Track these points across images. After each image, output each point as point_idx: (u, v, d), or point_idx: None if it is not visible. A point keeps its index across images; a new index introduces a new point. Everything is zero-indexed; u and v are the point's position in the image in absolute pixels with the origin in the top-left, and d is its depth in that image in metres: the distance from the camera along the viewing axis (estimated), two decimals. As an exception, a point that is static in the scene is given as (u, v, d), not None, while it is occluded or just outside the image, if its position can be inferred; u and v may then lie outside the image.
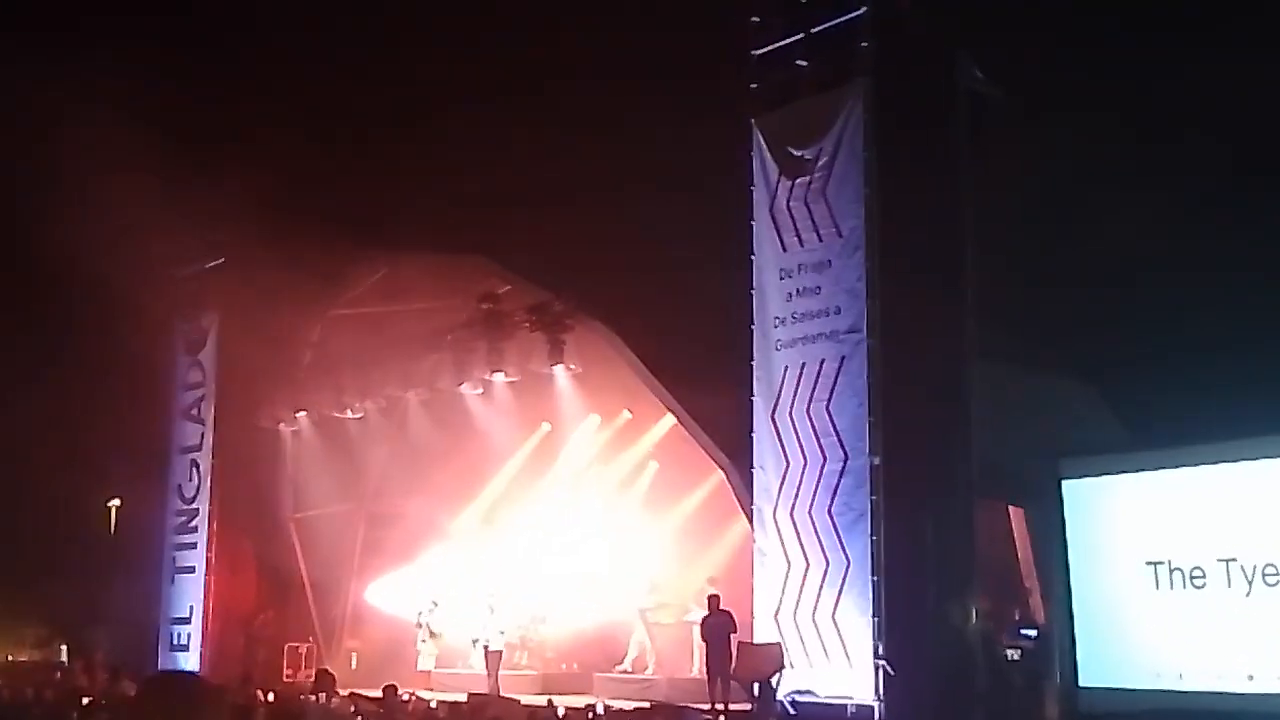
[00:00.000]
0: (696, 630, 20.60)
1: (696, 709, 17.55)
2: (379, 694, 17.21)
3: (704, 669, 20.05)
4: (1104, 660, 15.71)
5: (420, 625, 24.38)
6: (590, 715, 18.00)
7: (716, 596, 18.15)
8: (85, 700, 17.61)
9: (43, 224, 21.40)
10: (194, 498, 26.05)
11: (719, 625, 17.70)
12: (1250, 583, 14.34)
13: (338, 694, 18.23)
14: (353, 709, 17.33)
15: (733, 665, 16.86)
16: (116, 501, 30.71)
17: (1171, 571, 15.06)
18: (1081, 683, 15.83)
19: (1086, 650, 15.86)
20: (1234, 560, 14.49)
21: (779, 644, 15.77)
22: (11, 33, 21.23)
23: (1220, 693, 14.32)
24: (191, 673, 4.14)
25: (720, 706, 17.14)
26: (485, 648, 21.81)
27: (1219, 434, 14.92)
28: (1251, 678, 14.17)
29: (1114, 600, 15.71)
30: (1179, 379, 16.27)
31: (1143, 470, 15.81)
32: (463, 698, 19.55)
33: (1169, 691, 14.79)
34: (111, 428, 24.82)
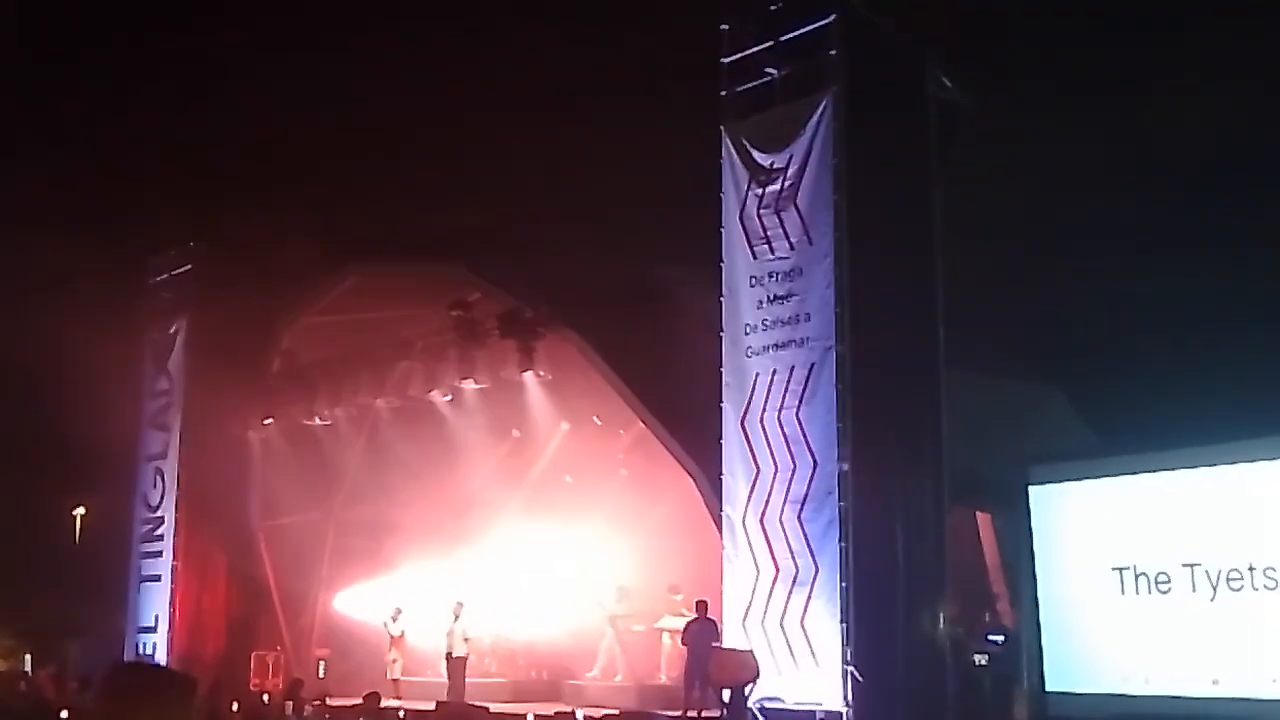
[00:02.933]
0: (665, 637, 20.61)
1: (666, 716, 17.53)
2: (354, 702, 17.11)
3: (671, 675, 20.10)
4: (1071, 665, 15.81)
5: (387, 633, 24.25)
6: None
7: (704, 603, 17.92)
8: (63, 712, 17.40)
9: (7, 229, 21.26)
10: (159, 505, 25.86)
11: (701, 632, 17.57)
12: (1215, 588, 14.47)
13: (309, 704, 18.13)
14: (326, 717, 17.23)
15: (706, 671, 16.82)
16: (82, 510, 30.48)
17: (1137, 576, 15.18)
18: (1049, 687, 15.92)
19: (1054, 655, 15.95)
20: (1199, 565, 14.63)
21: (754, 652, 15.71)
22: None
23: (1185, 697, 14.43)
24: (157, 664, 3.82)
25: (694, 714, 17.12)
26: (449, 655, 21.75)
27: (1185, 440, 15.06)
28: (1216, 682, 14.30)
29: (1081, 605, 15.81)
30: (1146, 386, 16.44)
31: (1109, 476, 15.92)
32: (430, 706, 19.50)
33: (1134, 696, 14.90)
34: (77, 435, 24.62)
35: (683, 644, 18.25)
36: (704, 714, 16.92)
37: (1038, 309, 18.07)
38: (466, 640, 21.89)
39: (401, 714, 18.61)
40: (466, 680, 21.82)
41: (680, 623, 19.52)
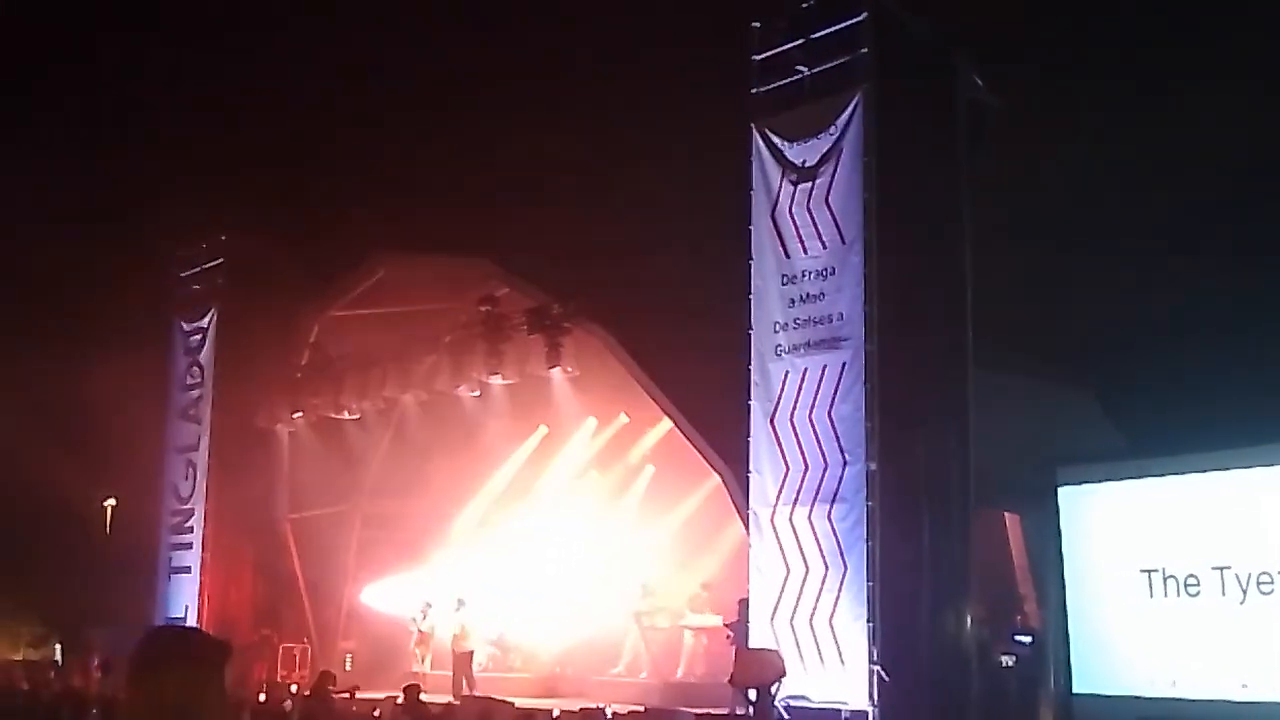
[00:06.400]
0: (688, 635, 20.63)
1: (689, 713, 17.54)
2: (381, 696, 17.19)
3: (697, 672, 20.13)
4: (1098, 667, 15.73)
5: (414, 628, 24.39)
6: None
7: (745, 601, 17.83)
8: (84, 701, 17.56)
9: (42, 223, 21.43)
10: (189, 498, 26.06)
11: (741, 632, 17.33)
12: (1244, 591, 14.38)
13: (342, 694, 18.22)
14: (375, 711, 17.28)
15: (731, 671, 16.76)
16: (113, 501, 30.70)
17: (1166, 579, 15.09)
18: (1075, 690, 15.85)
19: (1081, 657, 15.88)
20: (1228, 568, 14.53)
21: (780, 651, 15.68)
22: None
23: (1213, 700, 14.35)
24: (192, 627, 3.61)
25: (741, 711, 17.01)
26: (466, 650, 21.89)
27: (1214, 442, 14.95)
28: (1245, 686, 14.21)
29: (1109, 607, 15.73)
30: (1175, 387, 16.33)
31: (1138, 478, 15.83)
32: (455, 700, 19.56)
33: (1162, 699, 14.81)
34: (109, 427, 24.83)
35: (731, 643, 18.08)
36: (735, 712, 16.88)
37: (1067, 309, 17.97)
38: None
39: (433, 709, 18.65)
40: (491, 674, 21.93)
41: (703, 620, 19.50)
